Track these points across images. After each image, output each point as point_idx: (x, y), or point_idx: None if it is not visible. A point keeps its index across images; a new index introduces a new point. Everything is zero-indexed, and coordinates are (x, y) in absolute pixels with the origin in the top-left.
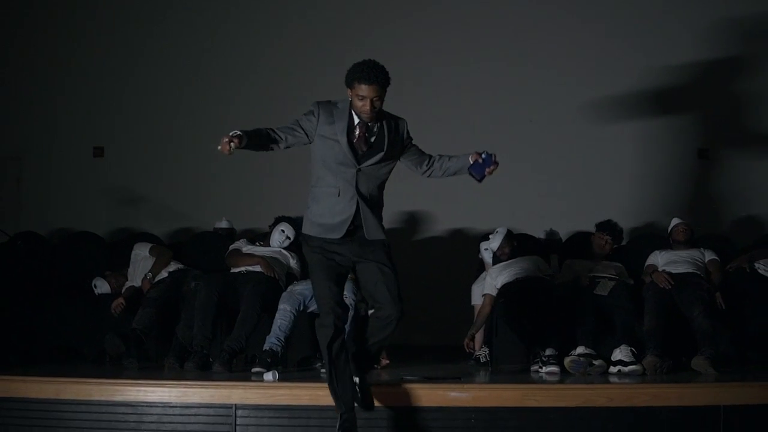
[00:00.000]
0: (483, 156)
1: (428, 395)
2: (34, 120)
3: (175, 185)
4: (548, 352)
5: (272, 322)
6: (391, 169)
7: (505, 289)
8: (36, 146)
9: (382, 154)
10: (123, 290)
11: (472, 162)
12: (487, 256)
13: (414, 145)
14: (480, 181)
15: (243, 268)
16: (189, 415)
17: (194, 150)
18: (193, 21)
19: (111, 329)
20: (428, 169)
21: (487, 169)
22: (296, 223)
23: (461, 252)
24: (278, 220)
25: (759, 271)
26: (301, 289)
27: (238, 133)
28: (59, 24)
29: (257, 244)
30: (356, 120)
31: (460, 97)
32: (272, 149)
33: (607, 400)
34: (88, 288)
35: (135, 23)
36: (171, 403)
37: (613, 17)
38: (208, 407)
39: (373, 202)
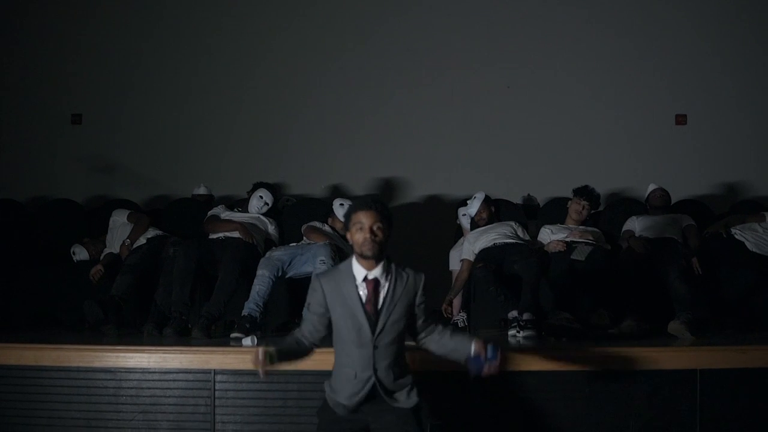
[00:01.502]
0: (488, 352)
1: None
2: (11, 87)
3: (153, 152)
4: (525, 316)
5: (251, 288)
6: (409, 322)
7: (483, 255)
8: (12, 113)
9: (395, 309)
10: (101, 257)
11: (473, 353)
12: (465, 222)
13: (423, 305)
14: (473, 378)
15: (221, 234)
16: (168, 380)
17: (172, 117)
18: None
19: (90, 296)
20: (425, 337)
21: (486, 368)
22: (274, 188)
23: (439, 218)
24: (256, 186)
25: (736, 236)
26: (280, 254)
27: (272, 351)
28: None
29: (236, 210)
30: (360, 277)
31: (436, 67)
32: (309, 354)
33: (585, 364)
34: (67, 255)
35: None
36: (150, 368)
37: None
38: (187, 372)
39: (395, 375)
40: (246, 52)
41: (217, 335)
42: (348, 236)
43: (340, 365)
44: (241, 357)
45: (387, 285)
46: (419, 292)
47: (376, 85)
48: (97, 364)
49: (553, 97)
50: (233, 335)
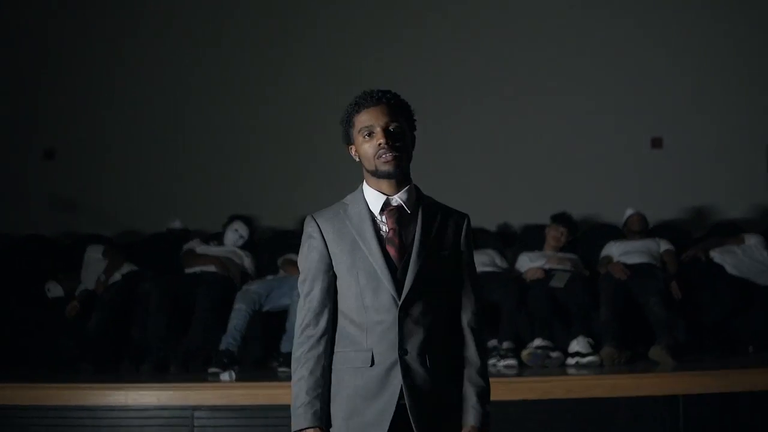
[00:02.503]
0: None
1: None
2: None
3: (126, 186)
4: (505, 345)
5: (228, 322)
6: (454, 284)
7: None
8: None
9: (433, 255)
10: (77, 293)
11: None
12: None
13: (469, 263)
14: None
15: (197, 269)
16: (146, 417)
17: (146, 150)
18: (148, 24)
19: (65, 332)
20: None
21: None
22: (250, 221)
23: None
24: (231, 219)
25: (714, 260)
26: (256, 288)
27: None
28: (9, 25)
29: (211, 243)
30: (377, 206)
31: (411, 95)
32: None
33: (566, 391)
34: (41, 291)
35: (88, 28)
36: (128, 405)
37: (568, 7)
38: (164, 409)
39: (439, 367)
40: (219, 83)
41: (195, 371)
42: (353, 153)
43: (346, 354)
44: (220, 392)
45: (419, 218)
46: (463, 236)
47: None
48: (73, 401)
49: (527, 122)
50: (211, 370)
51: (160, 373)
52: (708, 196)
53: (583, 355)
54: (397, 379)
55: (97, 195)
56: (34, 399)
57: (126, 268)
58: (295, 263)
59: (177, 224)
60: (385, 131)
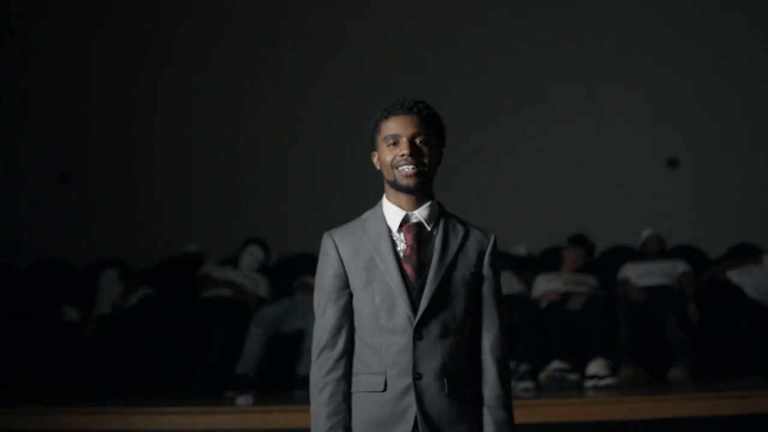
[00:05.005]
0: None
1: None
2: None
3: (142, 209)
4: (523, 367)
5: (243, 346)
6: (474, 306)
7: None
8: None
9: (451, 274)
10: (92, 317)
11: None
12: None
13: (493, 284)
14: None
15: (214, 293)
16: None
17: (161, 174)
18: (163, 46)
19: (80, 356)
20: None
21: None
22: (265, 244)
23: None
24: (247, 243)
25: (732, 281)
26: (272, 311)
27: None
28: (21, 48)
29: (227, 267)
30: (396, 222)
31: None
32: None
33: (584, 414)
34: (56, 315)
35: (104, 53)
36: (144, 430)
37: (581, 27)
38: None
39: (456, 395)
40: (236, 107)
41: (212, 395)
42: (375, 161)
43: (358, 378)
44: (236, 417)
45: (438, 235)
46: (487, 256)
47: (361, 137)
48: (89, 426)
49: (544, 144)
50: (227, 394)
51: (176, 398)
52: (725, 216)
53: (601, 378)
54: (411, 406)
55: (112, 219)
56: (49, 424)
57: (142, 292)
58: (311, 286)
59: (193, 248)
60: (411, 142)
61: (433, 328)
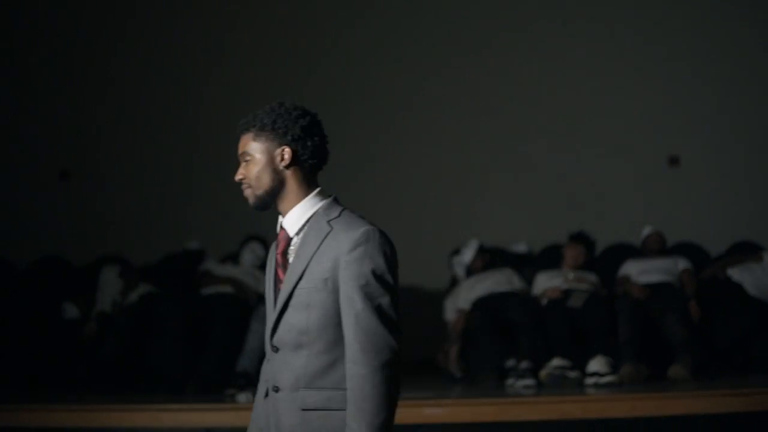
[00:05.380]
0: None
1: (403, 412)
2: None
3: (142, 206)
4: (523, 365)
5: (244, 343)
6: (336, 322)
7: (479, 304)
8: (0, 169)
9: (302, 282)
10: (93, 314)
11: None
12: (460, 271)
13: (353, 288)
14: None
15: (214, 290)
16: None
17: (161, 171)
18: (162, 43)
19: (80, 354)
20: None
21: None
22: (266, 241)
23: (432, 266)
24: (248, 239)
25: (732, 278)
26: None
27: None
28: (22, 46)
29: (228, 264)
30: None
31: (425, 114)
32: None
33: (584, 412)
34: (56, 312)
35: (105, 51)
36: (144, 427)
37: (581, 26)
38: (181, 431)
39: (312, 413)
40: (236, 103)
41: (212, 392)
42: None
43: (259, 383)
44: (236, 414)
45: (299, 242)
46: (343, 259)
47: (364, 134)
48: (89, 424)
49: (545, 142)
50: (228, 392)
51: (176, 395)
52: (726, 214)
53: (602, 375)
54: (270, 419)
55: (112, 216)
56: (49, 421)
57: (142, 289)
58: None
59: (194, 244)
60: (242, 163)
61: (287, 341)
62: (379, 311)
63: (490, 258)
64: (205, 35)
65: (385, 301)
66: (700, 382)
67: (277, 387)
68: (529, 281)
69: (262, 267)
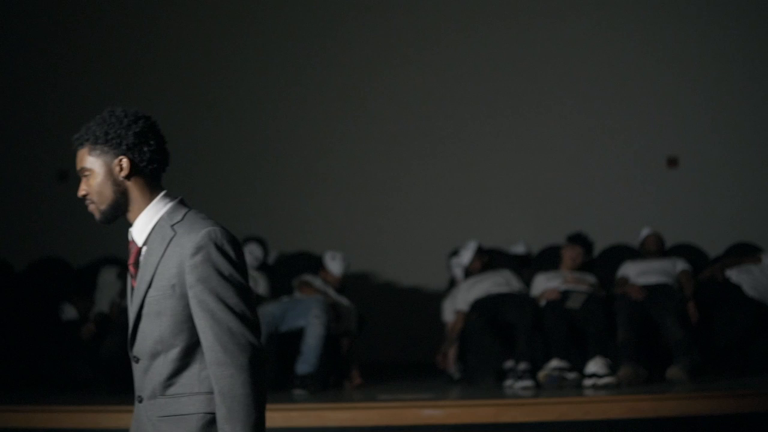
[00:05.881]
0: None
1: (402, 414)
2: None
3: None
4: (522, 366)
5: None
6: (190, 328)
7: (477, 305)
8: None
9: (151, 291)
10: (91, 315)
11: None
12: (458, 272)
13: (200, 291)
14: None
15: None
16: None
17: None
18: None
19: (79, 355)
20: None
21: None
22: (264, 243)
23: (430, 268)
24: (246, 241)
25: (731, 280)
26: (272, 309)
27: None
28: (21, 46)
29: None
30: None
31: (424, 115)
32: None
33: (583, 413)
34: (54, 313)
35: (104, 51)
36: None
37: (581, 27)
38: None
39: (173, 423)
40: (236, 104)
41: None
42: None
43: None
44: None
45: (146, 250)
46: (188, 262)
47: (366, 137)
48: (87, 424)
49: (543, 143)
50: None
51: None
52: (725, 215)
53: (600, 376)
54: (132, 427)
55: None
56: (47, 422)
57: None
58: (310, 284)
59: None
60: (82, 179)
61: (145, 350)
62: (234, 311)
63: (489, 259)
64: (208, 37)
65: (237, 300)
66: (699, 384)
67: (140, 397)
68: (528, 282)
69: (261, 268)
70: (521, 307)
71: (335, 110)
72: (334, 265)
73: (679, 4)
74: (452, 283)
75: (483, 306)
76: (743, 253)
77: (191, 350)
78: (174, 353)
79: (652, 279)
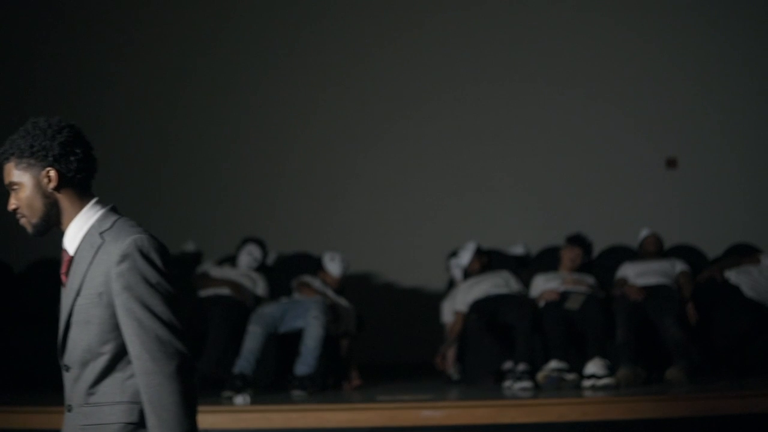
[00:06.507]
0: None
1: (401, 415)
2: None
3: (139, 208)
4: (521, 367)
5: (241, 345)
6: (117, 337)
7: (476, 306)
8: None
9: (79, 299)
10: None
11: None
12: (458, 273)
13: (127, 300)
14: None
15: (211, 292)
16: None
17: (159, 172)
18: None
19: None
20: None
21: None
22: (263, 244)
23: (429, 269)
24: (245, 242)
25: (730, 280)
26: (271, 310)
27: None
28: (20, 47)
29: (225, 266)
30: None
31: (424, 117)
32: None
33: (582, 414)
34: (53, 315)
35: (105, 51)
36: None
37: (580, 27)
38: None
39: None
40: (235, 106)
41: (209, 394)
42: None
43: None
44: (234, 416)
45: (75, 258)
46: (113, 271)
47: (362, 138)
48: None
49: (542, 144)
50: (225, 394)
51: None
52: (724, 216)
53: (599, 377)
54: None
55: None
56: (47, 423)
57: None
58: (309, 285)
59: (191, 246)
60: (11, 194)
61: (74, 359)
62: (161, 319)
63: (488, 260)
64: (207, 38)
65: (164, 308)
66: (697, 385)
67: (70, 406)
68: (527, 283)
69: (260, 269)
70: (520, 308)
71: (335, 111)
72: (333, 266)
73: (679, 4)
74: (451, 284)
75: (482, 307)
76: (742, 254)
77: (117, 359)
78: (101, 362)
79: (651, 280)
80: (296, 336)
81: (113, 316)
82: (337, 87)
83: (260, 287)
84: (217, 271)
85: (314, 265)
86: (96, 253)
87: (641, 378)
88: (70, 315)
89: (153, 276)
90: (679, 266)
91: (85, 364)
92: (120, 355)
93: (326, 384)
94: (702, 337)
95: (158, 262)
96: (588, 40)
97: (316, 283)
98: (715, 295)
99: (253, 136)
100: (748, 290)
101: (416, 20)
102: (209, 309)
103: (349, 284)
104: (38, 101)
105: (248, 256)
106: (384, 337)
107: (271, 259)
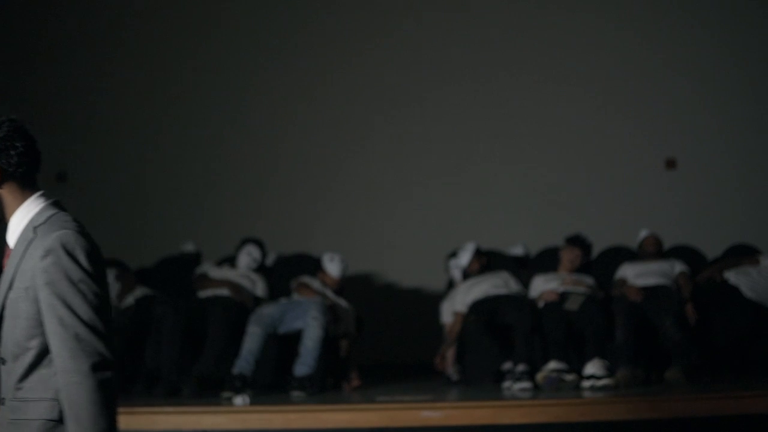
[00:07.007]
0: None
1: (400, 415)
2: None
3: (139, 209)
4: (520, 368)
5: (240, 346)
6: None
7: (475, 306)
8: None
9: (11, 292)
10: None
11: None
12: (457, 274)
13: (52, 295)
14: None
15: (210, 292)
16: None
17: (158, 173)
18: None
19: None
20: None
21: None
22: (262, 244)
23: (429, 269)
24: (244, 242)
25: (729, 281)
26: (270, 310)
27: None
28: (20, 47)
29: (224, 266)
30: None
31: (422, 116)
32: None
33: (581, 414)
34: None
35: (104, 54)
36: (140, 430)
37: (580, 28)
38: None
39: (24, 426)
40: (233, 109)
41: (208, 395)
42: None
43: None
44: (233, 417)
45: (13, 251)
46: (38, 266)
47: (361, 138)
48: None
49: (541, 144)
50: (224, 394)
51: (173, 397)
52: (723, 217)
53: (599, 378)
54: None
55: (109, 218)
56: None
57: (139, 291)
58: (308, 286)
59: (190, 247)
60: None
61: (8, 352)
62: (81, 318)
63: (487, 261)
64: (205, 39)
65: (86, 307)
66: (697, 385)
67: (3, 399)
68: (526, 284)
69: (259, 270)
70: (520, 309)
71: (335, 111)
72: (333, 267)
73: (678, 5)
74: (451, 285)
75: (481, 307)
76: (741, 254)
77: (43, 355)
78: (29, 357)
79: (650, 280)
80: (295, 337)
81: (39, 312)
82: (337, 87)
83: (259, 288)
84: (216, 272)
85: (313, 266)
86: (27, 247)
87: (640, 378)
88: (2, 308)
89: (76, 273)
90: (679, 267)
91: (15, 357)
92: (46, 351)
93: (325, 385)
94: (701, 337)
95: (83, 259)
96: (588, 41)
97: (316, 283)
98: (715, 295)
99: (253, 137)
100: (747, 291)
101: (415, 17)
102: (209, 310)
103: (348, 285)
104: (33, 101)
105: (247, 256)
106: (383, 337)
107: (270, 259)
